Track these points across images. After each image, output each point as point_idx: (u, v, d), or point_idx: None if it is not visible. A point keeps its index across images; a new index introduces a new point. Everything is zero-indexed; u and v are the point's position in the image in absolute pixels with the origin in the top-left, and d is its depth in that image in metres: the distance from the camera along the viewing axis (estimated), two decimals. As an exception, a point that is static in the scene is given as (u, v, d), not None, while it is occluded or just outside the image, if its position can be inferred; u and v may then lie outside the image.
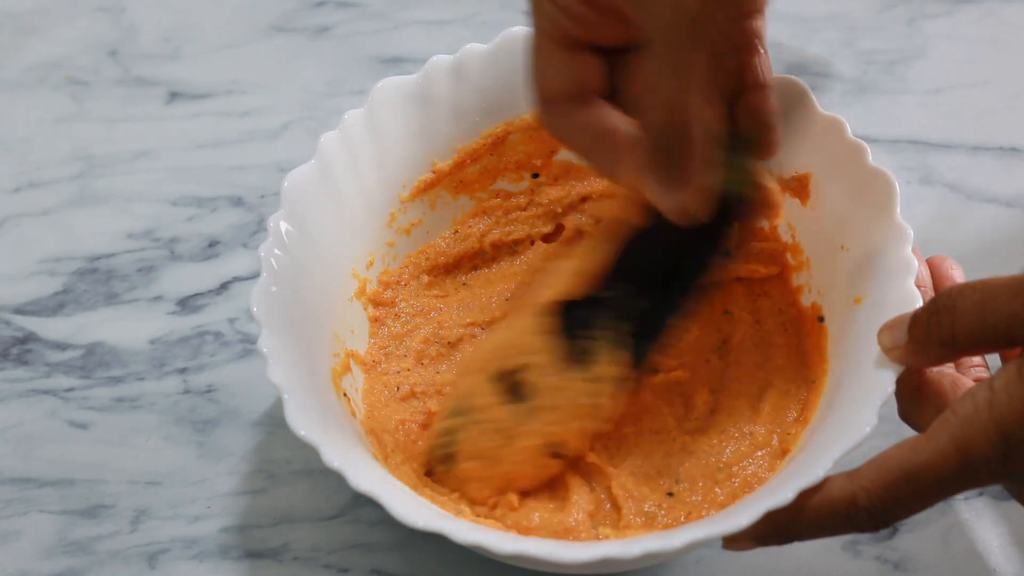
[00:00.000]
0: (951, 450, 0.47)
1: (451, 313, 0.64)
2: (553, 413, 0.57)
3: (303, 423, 0.52)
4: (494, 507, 0.57)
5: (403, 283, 0.65)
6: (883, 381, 0.52)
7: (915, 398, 0.54)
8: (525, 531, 0.56)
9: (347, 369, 0.60)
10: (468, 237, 0.66)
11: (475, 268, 0.67)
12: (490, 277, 0.66)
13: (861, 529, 0.49)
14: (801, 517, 0.49)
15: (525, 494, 0.58)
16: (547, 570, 0.55)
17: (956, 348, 0.50)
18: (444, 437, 0.58)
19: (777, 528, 0.49)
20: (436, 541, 0.52)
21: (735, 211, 0.56)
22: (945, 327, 0.50)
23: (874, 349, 0.53)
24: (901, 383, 0.52)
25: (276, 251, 0.57)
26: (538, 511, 0.57)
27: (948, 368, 0.54)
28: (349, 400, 0.59)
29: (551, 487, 0.59)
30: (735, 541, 0.50)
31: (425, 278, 0.65)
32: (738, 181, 0.56)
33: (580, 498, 0.57)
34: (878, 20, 0.84)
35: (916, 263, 0.56)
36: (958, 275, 0.57)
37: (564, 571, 0.54)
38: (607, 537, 0.55)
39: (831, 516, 0.49)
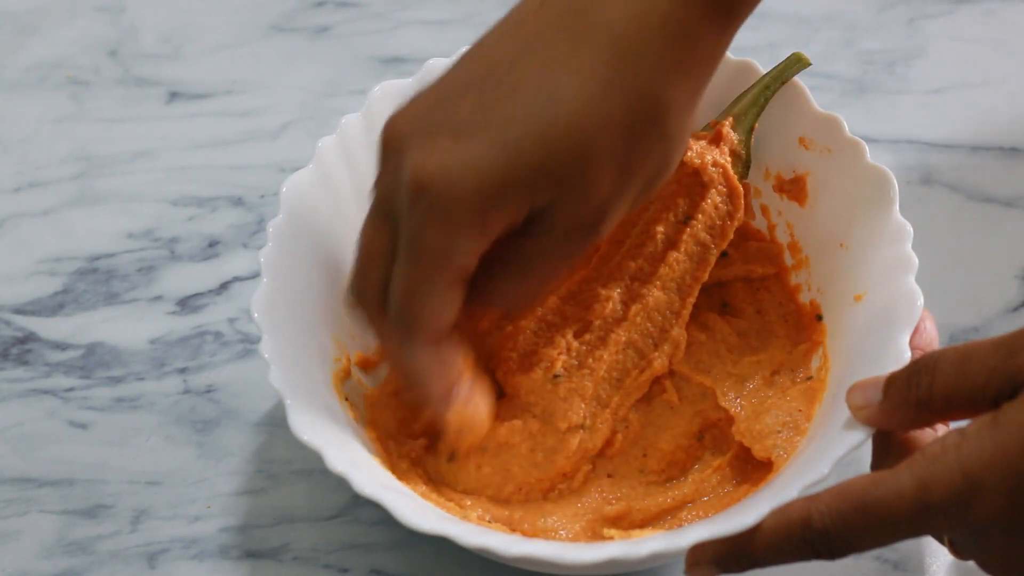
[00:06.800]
0: (911, 488, 0.46)
1: None
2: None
3: (306, 428, 0.52)
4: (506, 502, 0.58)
5: (402, 286, 0.65)
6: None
7: (888, 448, 0.52)
8: (535, 533, 0.57)
9: (348, 374, 0.60)
10: None
11: None
12: None
13: (818, 553, 0.47)
14: (759, 537, 0.48)
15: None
16: (552, 571, 0.55)
17: (932, 408, 0.48)
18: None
19: (736, 549, 0.48)
20: (436, 542, 0.52)
21: None
22: (924, 386, 0.48)
23: (875, 345, 0.53)
24: (876, 439, 0.51)
25: (276, 255, 0.57)
26: (550, 512, 0.57)
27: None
28: (351, 404, 0.59)
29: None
30: (696, 567, 0.49)
31: None
32: None
33: (589, 493, 0.58)
34: (878, 20, 0.84)
35: (915, 260, 0.56)
36: (930, 326, 0.56)
37: (570, 572, 0.54)
38: (612, 537, 0.55)
39: (787, 535, 0.47)
